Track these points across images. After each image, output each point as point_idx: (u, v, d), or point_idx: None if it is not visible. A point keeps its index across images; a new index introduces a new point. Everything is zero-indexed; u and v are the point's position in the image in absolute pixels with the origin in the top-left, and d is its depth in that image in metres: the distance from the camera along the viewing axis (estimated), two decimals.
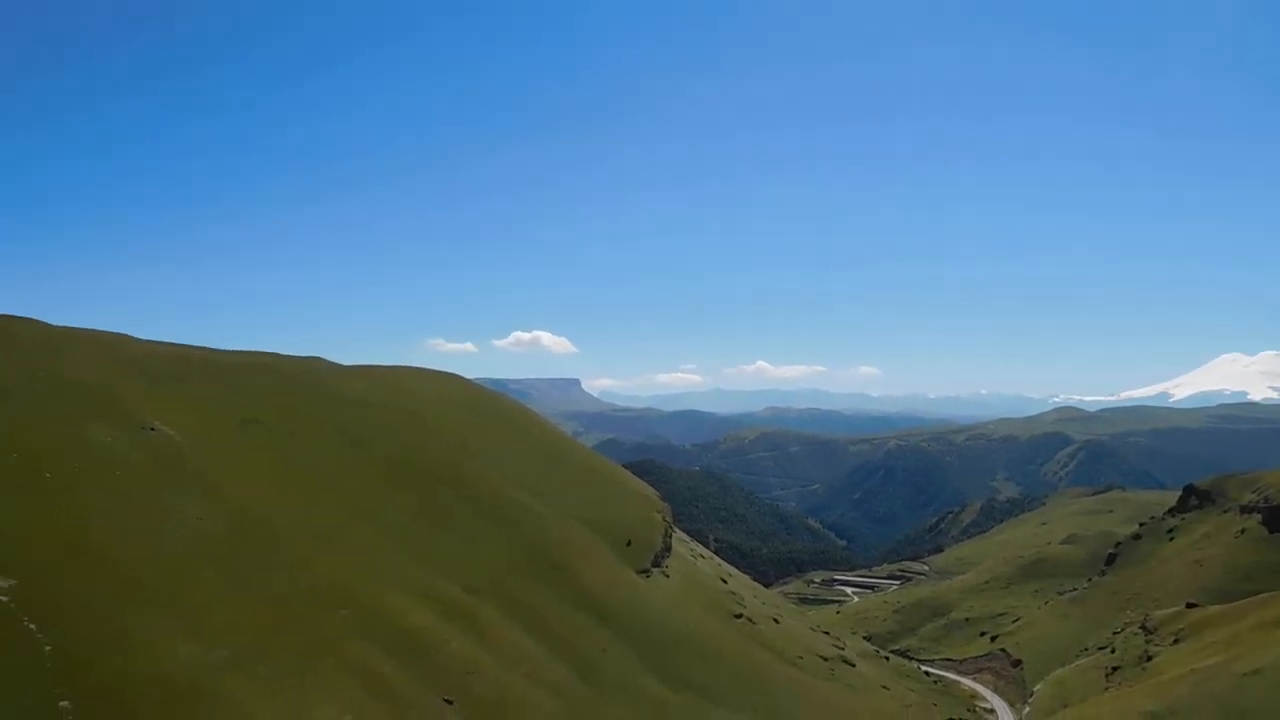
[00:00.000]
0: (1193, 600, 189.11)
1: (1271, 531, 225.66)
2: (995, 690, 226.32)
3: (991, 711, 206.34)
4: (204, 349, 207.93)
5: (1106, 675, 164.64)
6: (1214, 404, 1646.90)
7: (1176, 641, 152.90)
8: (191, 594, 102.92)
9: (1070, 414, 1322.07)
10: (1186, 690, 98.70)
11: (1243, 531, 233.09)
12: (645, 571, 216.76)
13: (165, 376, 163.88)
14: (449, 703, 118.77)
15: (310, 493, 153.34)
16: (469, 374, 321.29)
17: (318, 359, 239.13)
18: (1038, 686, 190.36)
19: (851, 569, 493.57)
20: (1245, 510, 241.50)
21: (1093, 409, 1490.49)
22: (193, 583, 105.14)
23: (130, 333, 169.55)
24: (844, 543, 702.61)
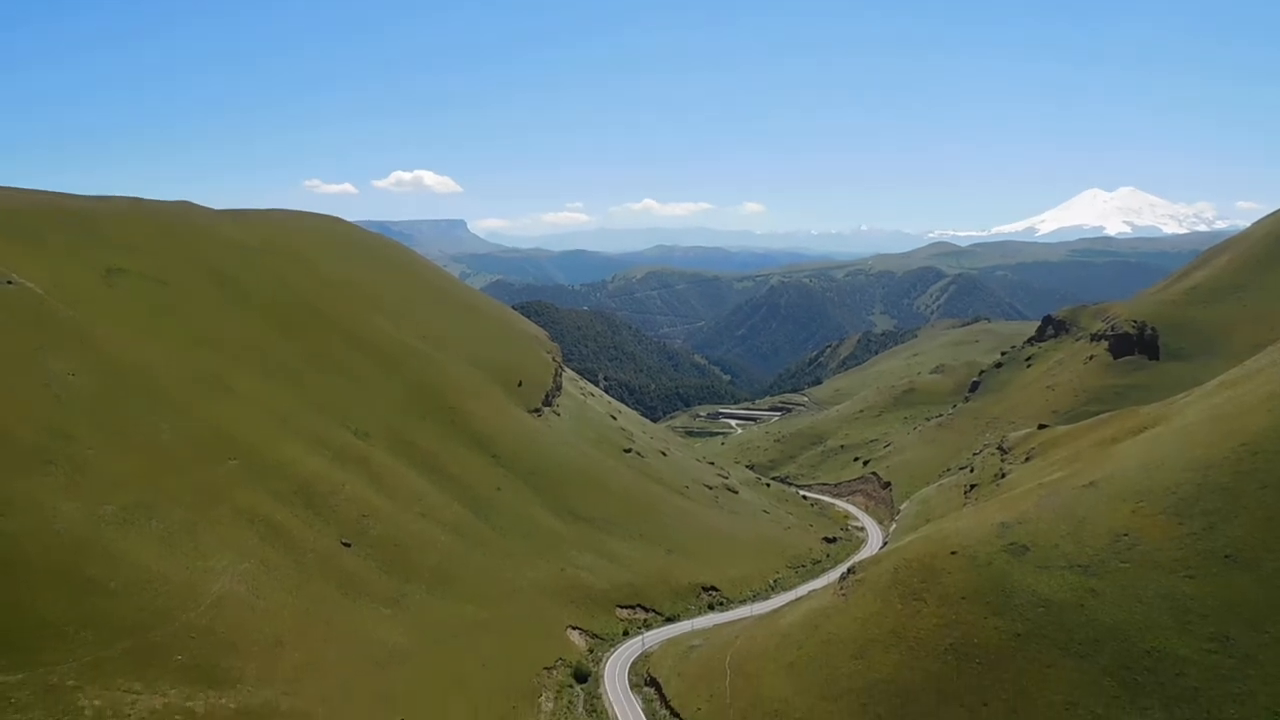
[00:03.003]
0: (1044, 422, 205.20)
1: (1116, 357, 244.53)
2: (866, 510, 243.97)
3: (862, 529, 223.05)
4: (58, 194, 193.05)
5: (965, 492, 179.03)
6: (1074, 239, 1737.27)
7: (1028, 460, 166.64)
8: (69, 451, 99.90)
9: (944, 249, 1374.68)
10: (1033, 503, 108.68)
11: (1091, 358, 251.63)
12: (537, 410, 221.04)
13: (18, 225, 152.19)
14: (347, 545, 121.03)
15: (188, 342, 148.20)
16: (349, 217, 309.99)
17: (185, 203, 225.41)
18: (904, 505, 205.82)
19: (736, 402, 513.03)
20: (1095, 338, 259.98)
21: (965, 244, 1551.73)
22: (69, 440, 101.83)
23: None
24: (729, 377, 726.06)
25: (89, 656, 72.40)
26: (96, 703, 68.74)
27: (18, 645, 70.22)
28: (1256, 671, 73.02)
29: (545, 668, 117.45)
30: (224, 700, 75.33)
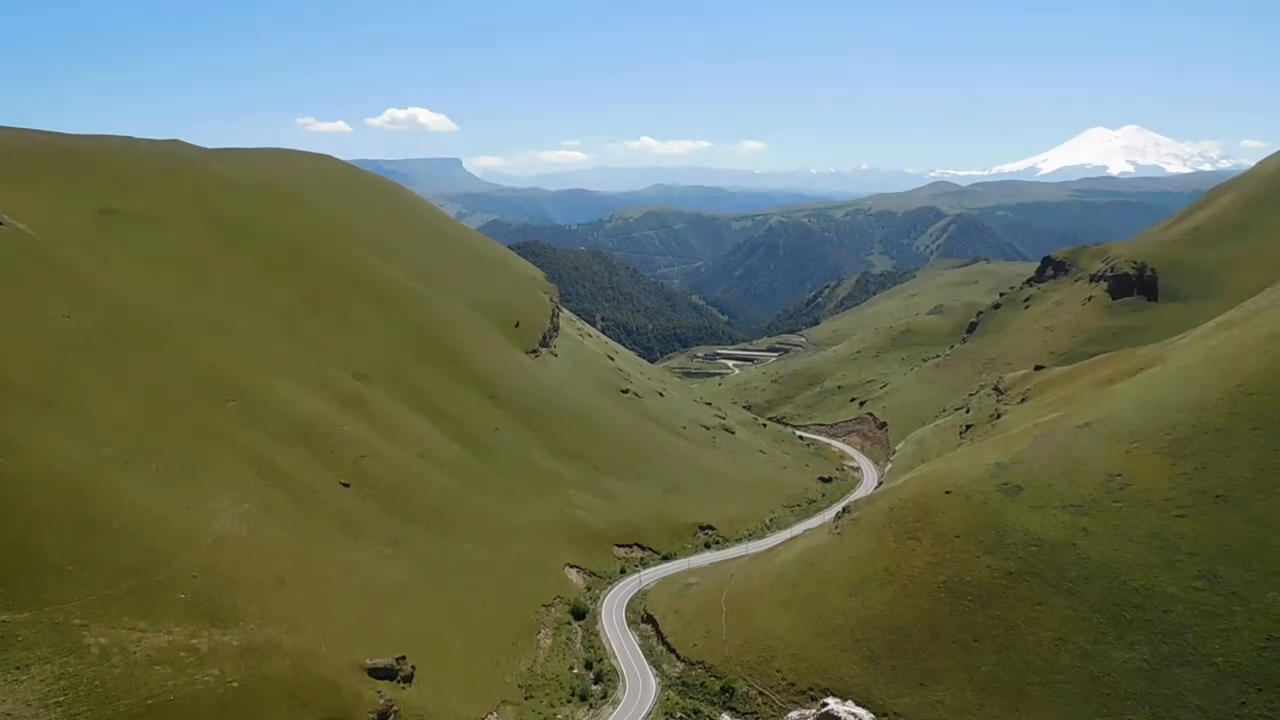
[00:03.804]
0: (1041, 363, 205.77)
1: (1115, 298, 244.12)
2: (862, 451, 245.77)
3: (858, 469, 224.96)
4: (48, 133, 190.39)
5: (961, 433, 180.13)
6: (1077, 179, 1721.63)
7: (1023, 401, 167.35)
8: (69, 393, 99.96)
9: (944, 189, 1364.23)
10: (1028, 443, 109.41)
11: (1090, 299, 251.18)
12: (534, 351, 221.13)
13: (8, 165, 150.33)
14: (346, 486, 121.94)
15: (184, 284, 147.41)
16: (343, 156, 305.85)
17: (177, 142, 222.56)
18: (900, 445, 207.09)
19: (733, 343, 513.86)
20: (1094, 279, 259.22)
21: (965, 184, 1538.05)
22: (68, 382, 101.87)
23: None
24: (726, 318, 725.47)
25: (93, 595, 73.33)
26: (102, 640, 69.82)
27: (22, 584, 71.06)
28: (1242, 608, 74.21)
29: (544, 605, 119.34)
30: (228, 638, 76.53)
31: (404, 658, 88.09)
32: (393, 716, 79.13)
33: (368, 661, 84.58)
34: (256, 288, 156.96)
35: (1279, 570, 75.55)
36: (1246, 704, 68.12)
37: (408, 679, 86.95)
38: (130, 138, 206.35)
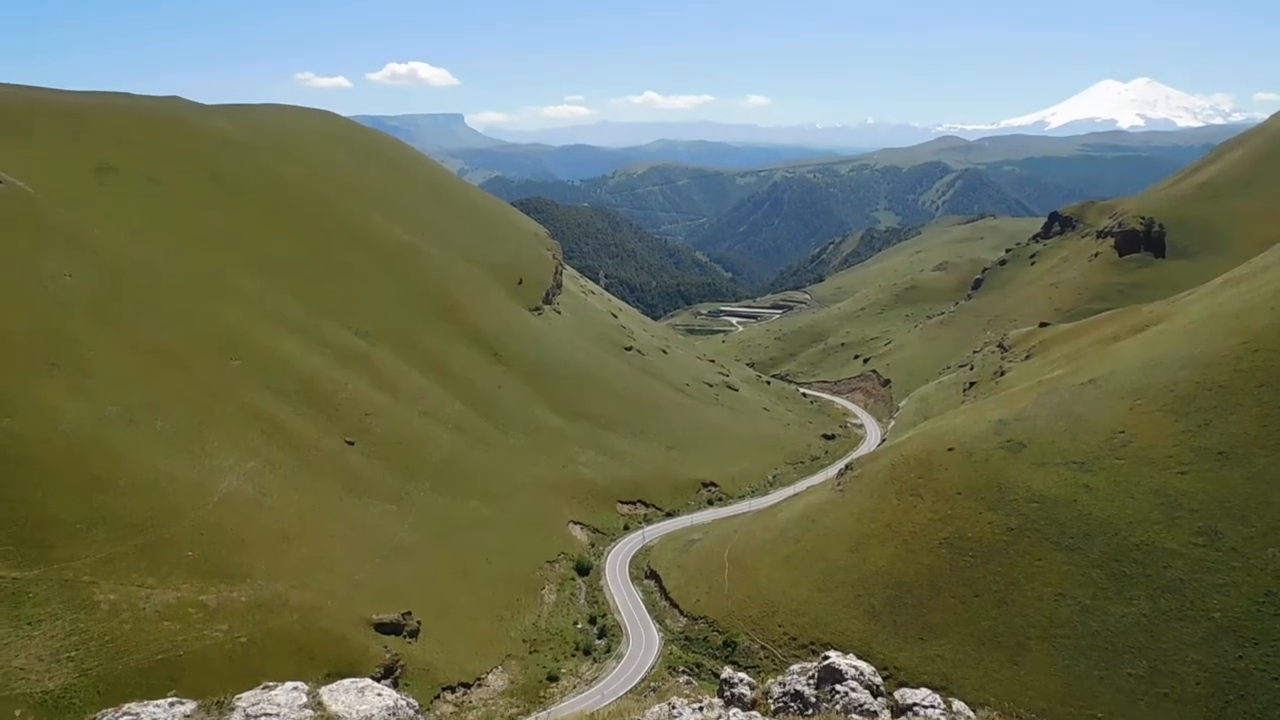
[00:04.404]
0: (1046, 320, 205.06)
1: (1122, 255, 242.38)
2: (865, 408, 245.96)
3: (861, 426, 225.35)
4: (44, 89, 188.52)
5: (964, 390, 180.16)
6: (1085, 133, 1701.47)
7: (1028, 358, 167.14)
8: (72, 352, 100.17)
9: (951, 143, 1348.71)
10: (1031, 400, 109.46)
11: (1096, 255, 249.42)
12: (537, 309, 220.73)
13: (5, 123, 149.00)
14: (350, 444, 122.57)
15: (185, 241, 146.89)
16: (343, 112, 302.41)
17: (176, 98, 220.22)
18: (903, 402, 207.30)
19: (737, 300, 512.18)
20: (1101, 235, 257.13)
21: (973, 138, 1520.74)
22: (71, 341, 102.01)
23: None
24: (730, 275, 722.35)
25: (102, 553, 74.14)
26: (112, 597, 70.70)
27: (32, 542, 71.83)
28: (1241, 564, 74.62)
29: (548, 561, 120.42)
30: (235, 594, 77.43)
31: (409, 613, 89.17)
32: (399, 670, 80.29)
33: (374, 617, 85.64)
34: (257, 245, 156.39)
35: (1279, 526, 75.87)
36: (1243, 658, 68.76)
37: (413, 634, 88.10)
38: (128, 94, 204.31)
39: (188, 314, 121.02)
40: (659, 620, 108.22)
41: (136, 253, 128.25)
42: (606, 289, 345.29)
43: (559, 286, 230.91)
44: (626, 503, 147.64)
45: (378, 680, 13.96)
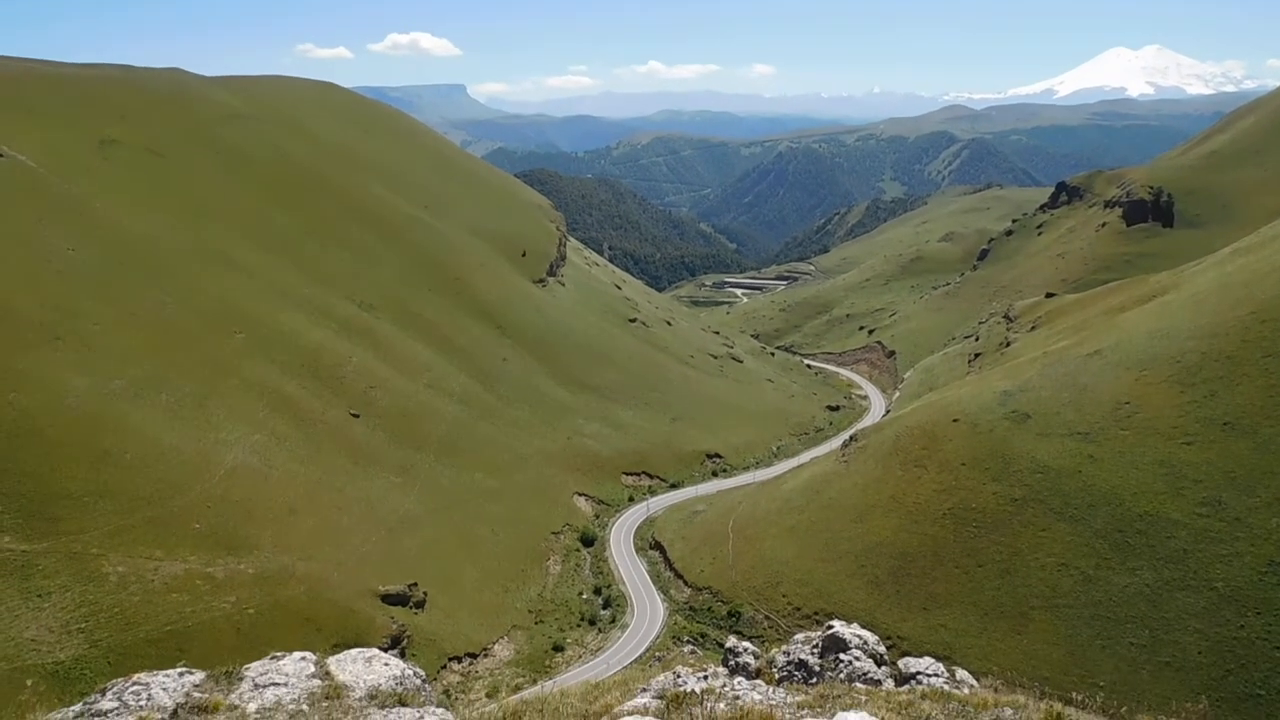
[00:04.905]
0: (1053, 291, 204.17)
1: (1130, 224, 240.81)
2: (870, 379, 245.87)
3: (866, 398, 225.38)
4: (43, 62, 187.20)
5: (969, 361, 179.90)
6: (1094, 101, 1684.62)
7: (1034, 329, 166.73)
8: (76, 326, 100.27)
9: (958, 113, 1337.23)
10: (1037, 371, 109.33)
11: (1104, 225, 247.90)
12: (541, 281, 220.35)
13: (5, 95, 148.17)
14: (355, 416, 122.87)
15: (187, 215, 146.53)
16: (344, 83, 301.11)
17: (177, 70, 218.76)
18: (908, 374, 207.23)
19: (741, 271, 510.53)
20: (1109, 205, 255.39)
21: (980, 107, 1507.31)
22: (75, 315, 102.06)
23: None
24: (735, 246, 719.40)
25: (110, 526, 74.64)
26: (120, 569, 71.26)
27: (40, 515, 72.31)
28: (1245, 534, 74.78)
29: (553, 532, 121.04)
30: (243, 566, 78.00)
31: (416, 584, 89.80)
32: (405, 641, 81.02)
33: (380, 588, 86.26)
34: (260, 218, 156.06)
35: None
36: (1245, 627, 69.09)
37: (420, 605, 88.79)
38: (129, 66, 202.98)
39: (191, 287, 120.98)
40: (664, 591, 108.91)
41: (139, 226, 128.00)
42: (610, 261, 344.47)
43: (563, 258, 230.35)
44: (631, 474, 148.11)
45: (385, 650, 14.04)
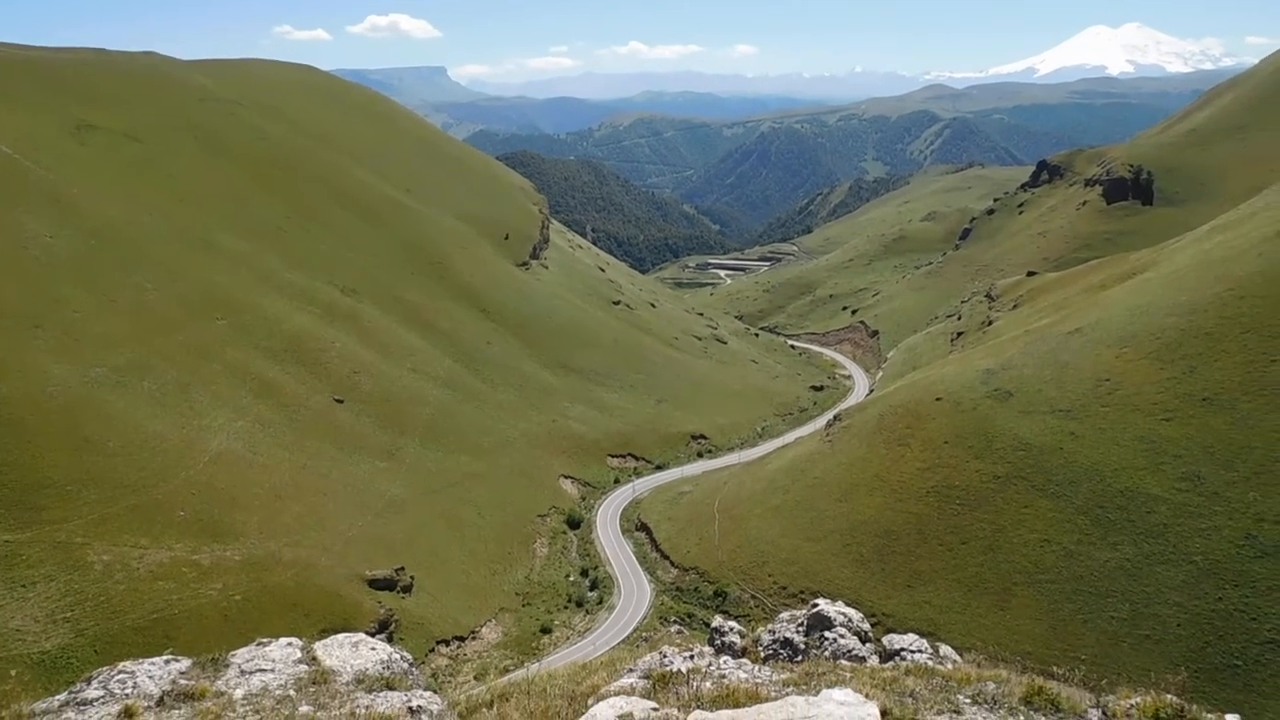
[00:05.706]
0: (1034, 269, 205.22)
1: (1110, 203, 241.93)
2: (854, 359, 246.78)
3: (849, 377, 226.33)
4: (15, 46, 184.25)
5: (952, 340, 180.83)
6: (1075, 79, 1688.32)
7: (1015, 307, 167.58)
8: (57, 314, 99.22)
9: (939, 92, 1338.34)
10: (1018, 349, 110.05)
11: (1085, 203, 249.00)
12: (524, 264, 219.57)
13: None
14: (340, 401, 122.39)
15: (167, 200, 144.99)
16: (323, 66, 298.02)
17: (153, 54, 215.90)
18: (891, 353, 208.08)
19: (725, 253, 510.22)
20: (1089, 183, 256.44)
21: (961, 86, 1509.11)
22: (55, 302, 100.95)
23: None
24: (718, 227, 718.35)
25: (94, 514, 74.23)
26: (105, 558, 70.94)
27: (23, 504, 71.83)
28: (1223, 508, 75.76)
29: (539, 515, 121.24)
30: (229, 552, 77.80)
31: (403, 568, 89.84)
32: (393, 625, 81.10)
33: (367, 573, 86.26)
34: (241, 202, 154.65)
35: (1261, 471, 76.93)
36: (1223, 599, 70.13)
37: (407, 589, 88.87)
38: (103, 50, 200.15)
39: (172, 273, 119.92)
40: (650, 572, 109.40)
41: (119, 212, 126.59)
42: (594, 243, 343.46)
43: (546, 241, 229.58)
44: (616, 456, 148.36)
45: (372, 635, 14.08)
